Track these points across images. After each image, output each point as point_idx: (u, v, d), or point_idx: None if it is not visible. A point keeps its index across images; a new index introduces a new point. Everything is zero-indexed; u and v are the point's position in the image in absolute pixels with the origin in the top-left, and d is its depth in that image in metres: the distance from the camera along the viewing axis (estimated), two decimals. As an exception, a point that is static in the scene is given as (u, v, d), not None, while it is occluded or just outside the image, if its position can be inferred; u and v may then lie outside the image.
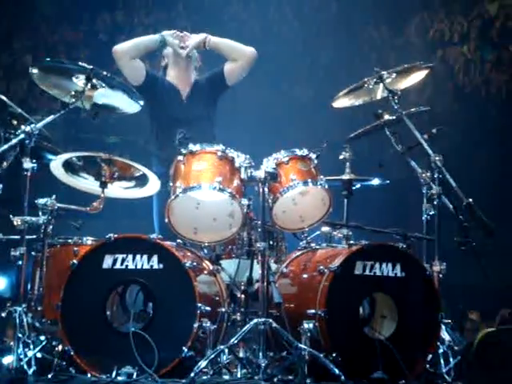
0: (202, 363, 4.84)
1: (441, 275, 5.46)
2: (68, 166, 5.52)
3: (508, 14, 14.17)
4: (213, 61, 6.88)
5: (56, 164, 5.46)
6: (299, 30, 14.24)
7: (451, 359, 5.24)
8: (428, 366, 5.21)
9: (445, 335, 5.37)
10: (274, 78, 13.41)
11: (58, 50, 13.97)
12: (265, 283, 5.05)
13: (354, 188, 6.18)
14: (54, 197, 5.35)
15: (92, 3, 14.50)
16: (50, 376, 4.94)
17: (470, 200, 5.34)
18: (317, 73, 13.64)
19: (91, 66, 5.31)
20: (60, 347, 5.12)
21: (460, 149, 11.43)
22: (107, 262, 5.08)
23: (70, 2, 14.13)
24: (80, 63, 5.42)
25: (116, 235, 5.14)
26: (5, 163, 5.19)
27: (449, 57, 13.74)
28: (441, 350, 5.26)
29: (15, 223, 5.16)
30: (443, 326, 5.35)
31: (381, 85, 5.71)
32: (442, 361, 5.23)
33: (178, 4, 14.59)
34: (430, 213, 5.54)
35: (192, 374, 4.77)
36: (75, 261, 5.10)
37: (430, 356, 5.19)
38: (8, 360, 4.98)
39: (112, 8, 14.67)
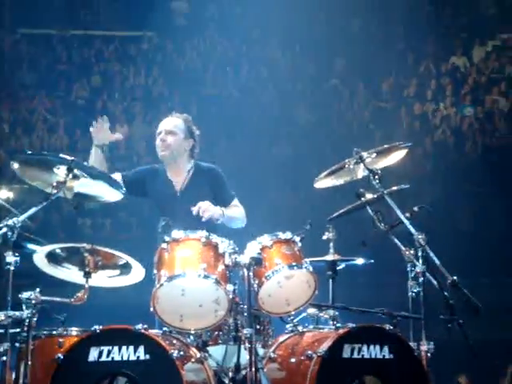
0: None
1: (429, 354, 5.44)
2: (51, 257, 5.46)
3: (479, 69, 14.42)
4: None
5: (39, 256, 5.41)
6: (275, 91, 14.37)
7: None
8: None
9: (437, 416, 5.34)
10: (253, 140, 13.46)
11: (35, 120, 14.02)
12: (253, 370, 5.01)
13: (338, 268, 6.17)
14: (37, 290, 5.29)
15: (69, 71, 14.62)
16: None
17: (455, 278, 5.33)
18: (294, 133, 13.74)
19: (72, 158, 5.29)
20: None
21: (440, 203, 11.55)
22: (93, 354, 5.01)
23: (47, 71, 14.24)
24: (60, 155, 5.41)
25: (101, 327, 5.08)
26: (-14, 258, 5.13)
27: (425, 113, 13.92)
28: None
29: (-2, 318, 5.09)
30: (434, 407, 5.34)
31: (361, 164, 5.73)
32: None
33: (152, 69, 14.69)
34: (415, 290, 5.52)
35: None
36: (60, 355, 5.01)
37: None
38: None
39: (88, 74, 14.78)
